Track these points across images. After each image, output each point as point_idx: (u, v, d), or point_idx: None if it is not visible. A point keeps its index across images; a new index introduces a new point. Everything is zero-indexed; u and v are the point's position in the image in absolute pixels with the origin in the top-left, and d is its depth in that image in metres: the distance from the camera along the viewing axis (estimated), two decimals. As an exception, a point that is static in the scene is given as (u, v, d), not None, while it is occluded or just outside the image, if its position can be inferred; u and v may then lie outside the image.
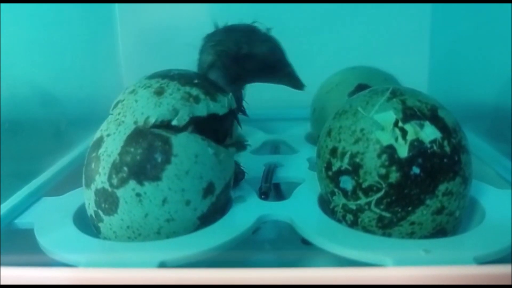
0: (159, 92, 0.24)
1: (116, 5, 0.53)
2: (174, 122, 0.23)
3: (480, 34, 0.39)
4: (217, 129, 0.24)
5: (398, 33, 0.51)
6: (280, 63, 0.30)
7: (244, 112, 0.29)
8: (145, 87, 0.25)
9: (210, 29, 0.52)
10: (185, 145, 0.23)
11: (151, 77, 0.26)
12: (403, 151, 0.22)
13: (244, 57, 0.28)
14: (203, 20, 0.51)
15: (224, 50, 0.28)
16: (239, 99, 0.28)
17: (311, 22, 0.52)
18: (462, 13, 0.43)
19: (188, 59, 0.52)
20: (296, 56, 0.51)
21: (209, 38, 0.29)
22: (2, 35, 0.31)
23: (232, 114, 0.26)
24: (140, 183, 0.22)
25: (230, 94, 0.26)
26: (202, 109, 0.24)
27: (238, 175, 0.28)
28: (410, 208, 0.22)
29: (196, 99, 0.24)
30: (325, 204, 0.26)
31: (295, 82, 0.30)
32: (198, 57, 0.28)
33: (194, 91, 0.24)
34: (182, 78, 0.25)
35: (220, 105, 0.25)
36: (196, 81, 0.25)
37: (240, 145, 0.27)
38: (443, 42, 0.49)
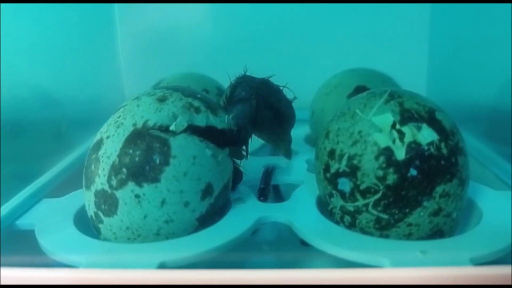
0: (162, 100, 0.24)
1: (116, 6, 0.53)
2: (172, 128, 0.23)
3: (479, 35, 0.40)
4: (216, 142, 0.25)
5: (396, 34, 0.51)
6: (290, 129, 0.32)
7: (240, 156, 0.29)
8: (149, 94, 0.25)
9: (210, 30, 0.52)
10: (183, 146, 0.23)
11: (157, 87, 0.26)
12: (400, 153, 0.22)
13: (275, 112, 0.30)
14: (203, 21, 0.52)
15: (262, 96, 0.29)
16: (247, 141, 0.29)
17: (309, 24, 0.52)
18: (461, 14, 0.43)
19: (188, 60, 0.52)
20: (295, 58, 0.52)
21: (246, 79, 0.30)
22: (3, 36, 0.31)
23: (232, 135, 0.26)
24: (139, 184, 0.23)
25: (231, 115, 0.26)
26: (201, 120, 0.24)
27: (236, 177, 0.28)
28: (407, 210, 0.22)
29: (197, 110, 0.25)
30: (324, 206, 0.26)
31: (287, 150, 0.33)
32: (229, 91, 0.29)
33: (196, 103, 0.25)
34: (186, 90, 0.26)
35: (220, 120, 0.25)
36: (199, 95, 0.26)
37: (237, 153, 0.27)
38: (442, 44, 0.49)
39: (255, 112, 0.29)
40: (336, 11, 0.51)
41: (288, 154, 0.33)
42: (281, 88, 0.31)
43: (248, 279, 0.18)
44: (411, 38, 0.52)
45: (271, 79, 0.30)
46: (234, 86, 0.29)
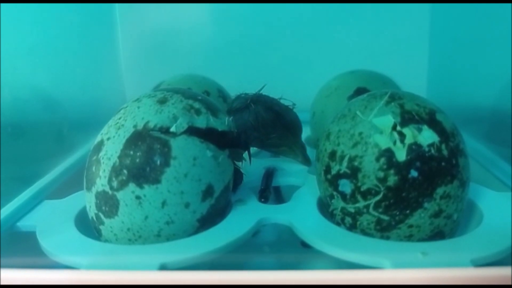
0: (162, 101, 0.25)
1: (117, 6, 0.53)
2: (172, 129, 0.24)
3: (480, 36, 0.40)
4: (216, 144, 0.25)
5: (396, 36, 0.52)
6: (299, 134, 0.32)
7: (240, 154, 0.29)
8: (150, 96, 0.25)
9: (210, 32, 0.52)
10: (184, 147, 0.23)
11: (158, 89, 0.26)
12: (401, 155, 0.22)
13: (275, 113, 0.30)
14: (204, 23, 0.52)
15: (259, 102, 0.30)
16: (248, 146, 0.29)
17: (310, 25, 0.52)
18: (462, 15, 0.43)
19: (189, 62, 0.53)
20: (296, 60, 0.52)
21: (241, 96, 0.31)
22: (3, 37, 0.31)
23: (232, 137, 0.26)
24: (140, 185, 0.23)
25: (231, 117, 0.26)
26: (201, 121, 0.24)
27: (237, 178, 0.28)
28: (408, 211, 0.23)
29: (197, 112, 0.25)
30: (324, 207, 0.26)
31: (305, 156, 0.33)
32: (227, 108, 0.30)
33: (197, 105, 0.25)
34: (187, 92, 0.26)
35: (220, 122, 0.25)
36: (200, 97, 0.26)
37: (238, 154, 0.27)
38: (442, 45, 0.49)
39: (254, 116, 0.29)
40: (336, 12, 0.51)
41: (307, 160, 0.33)
42: (278, 99, 0.31)
43: (249, 280, 0.18)
44: (411, 39, 0.52)
45: (266, 88, 0.31)
46: (231, 104, 0.30)
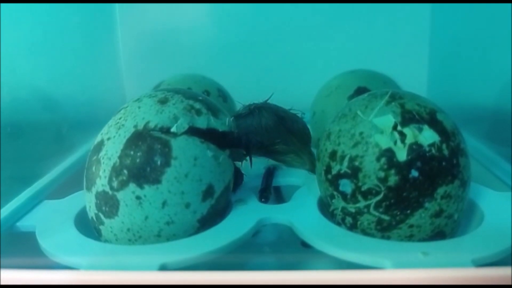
0: (163, 101, 0.24)
1: (117, 6, 0.53)
2: (173, 129, 0.23)
3: (480, 36, 0.40)
4: (217, 144, 0.25)
5: (397, 35, 0.52)
6: (308, 142, 0.32)
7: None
8: (150, 96, 0.25)
9: (210, 31, 0.52)
10: (184, 147, 0.23)
11: (158, 89, 0.26)
12: (402, 155, 0.22)
13: (280, 118, 0.30)
14: (204, 22, 0.52)
15: (263, 108, 0.30)
16: (249, 149, 0.29)
17: (310, 25, 0.52)
18: (462, 14, 0.43)
19: (189, 62, 0.52)
20: (296, 59, 0.52)
21: (249, 104, 0.31)
22: (3, 37, 0.31)
23: (232, 137, 0.26)
24: (140, 186, 0.23)
25: (232, 117, 0.26)
26: (202, 122, 0.24)
27: (237, 178, 0.28)
28: (408, 211, 0.22)
29: (198, 112, 0.25)
30: (325, 207, 0.26)
31: (313, 163, 0.31)
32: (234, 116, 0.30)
33: (197, 105, 0.25)
34: (187, 93, 0.26)
35: (221, 122, 0.25)
36: (200, 98, 0.26)
37: (238, 155, 0.27)
38: (442, 44, 0.49)
39: (258, 120, 0.29)
40: (336, 11, 0.51)
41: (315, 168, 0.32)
42: (289, 109, 0.31)
43: (249, 281, 0.18)
44: (412, 39, 0.52)
45: (275, 99, 0.31)
46: (237, 111, 0.30)
